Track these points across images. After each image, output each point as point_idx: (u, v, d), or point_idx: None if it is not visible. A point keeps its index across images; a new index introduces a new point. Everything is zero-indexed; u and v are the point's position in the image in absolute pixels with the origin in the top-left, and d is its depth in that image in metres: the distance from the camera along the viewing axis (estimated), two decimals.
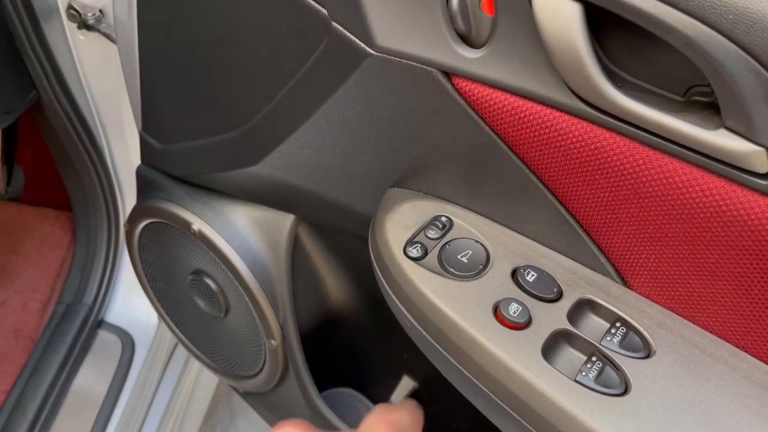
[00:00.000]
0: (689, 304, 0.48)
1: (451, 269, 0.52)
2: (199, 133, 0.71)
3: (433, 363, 0.55)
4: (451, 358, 0.51)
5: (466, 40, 0.47)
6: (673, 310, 0.49)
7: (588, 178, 0.46)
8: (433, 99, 0.50)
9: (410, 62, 0.49)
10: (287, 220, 0.76)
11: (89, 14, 0.90)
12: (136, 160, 1.11)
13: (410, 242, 0.54)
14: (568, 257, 0.52)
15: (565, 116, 0.45)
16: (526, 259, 0.52)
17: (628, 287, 0.50)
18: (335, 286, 0.86)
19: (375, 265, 0.57)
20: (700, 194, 0.42)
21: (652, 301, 0.50)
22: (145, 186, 0.85)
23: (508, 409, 0.48)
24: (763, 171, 0.38)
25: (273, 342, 0.80)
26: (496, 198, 0.53)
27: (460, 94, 0.49)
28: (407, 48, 0.49)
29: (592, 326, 0.49)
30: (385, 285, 0.55)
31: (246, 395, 0.99)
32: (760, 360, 0.46)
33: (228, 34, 0.60)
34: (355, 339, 0.92)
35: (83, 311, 1.16)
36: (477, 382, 0.49)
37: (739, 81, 0.36)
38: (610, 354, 0.47)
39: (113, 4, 0.72)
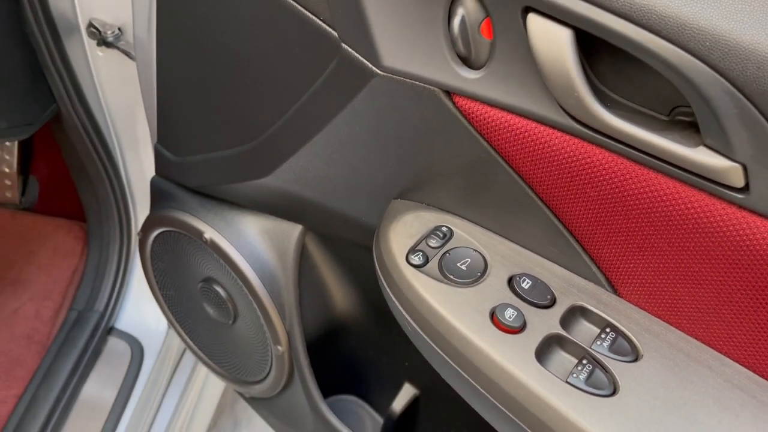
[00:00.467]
0: (675, 311, 0.51)
1: (451, 276, 0.55)
2: (212, 146, 0.74)
3: (433, 365, 0.58)
4: (449, 360, 0.54)
5: (467, 61, 0.50)
6: (660, 317, 0.52)
7: (579, 191, 0.50)
8: (436, 116, 0.53)
9: (414, 82, 0.53)
10: (295, 230, 0.79)
11: (108, 32, 0.94)
12: (149, 171, 1.15)
13: (412, 250, 0.57)
14: (561, 266, 0.55)
15: (557, 133, 0.48)
16: (522, 268, 0.55)
17: (618, 295, 0.53)
18: (340, 295, 0.89)
19: (378, 271, 0.60)
20: (683, 207, 0.45)
21: (641, 308, 0.52)
22: (159, 196, 0.88)
23: (502, 408, 0.50)
24: (739, 185, 0.41)
25: (279, 348, 0.83)
26: (494, 209, 0.56)
27: (461, 112, 0.52)
28: (412, 68, 0.52)
29: (584, 331, 0.52)
30: (388, 290, 0.58)
31: (252, 401, 1.01)
32: (741, 365, 0.49)
33: (244, 53, 0.63)
34: (358, 347, 0.95)
35: (94, 318, 1.20)
36: (474, 383, 0.52)
37: (715, 103, 0.39)
38: (599, 357, 0.50)
39: (133, 23, 0.76)
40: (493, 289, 0.54)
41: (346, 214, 0.68)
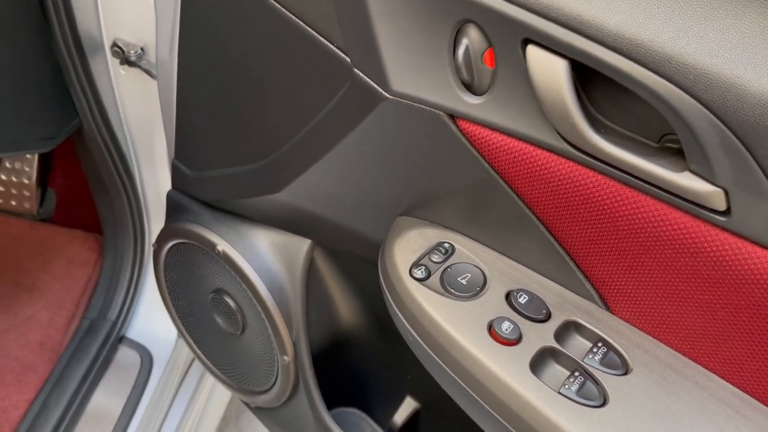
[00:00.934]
0: (664, 328, 0.53)
1: (452, 290, 0.58)
2: (228, 162, 0.78)
3: (432, 374, 0.60)
4: (448, 370, 0.56)
5: (470, 88, 0.53)
6: (650, 334, 0.54)
7: (574, 212, 0.52)
8: (440, 138, 0.57)
9: (421, 105, 0.56)
10: (304, 244, 0.82)
11: (131, 51, 0.98)
12: (164, 186, 1.18)
13: (415, 265, 0.60)
14: (557, 283, 0.58)
15: (554, 157, 0.51)
16: (519, 283, 0.58)
17: (611, 312, 0.56)
18: (345, 309, 0.92)
19: (383, 284, 0.63)
20: (670, 228, 0.47)
21: (632, 324, 0.55)
22: (174, 209, 0.91)
23: (498, 416, 0.53)
24: (721, 209, 0.44)
25: (286, 358, 0.85)
26: (494, 228, 0.59)
27: (464, 135, 0.55)
28: (419, 93, 0.55)
29: (576, 345, 0.55)
30: (392, 302, 0.61)
31: (257, 410, 1.03)
32: (726, 381, 0.51)
33: (261, 75, 0.67)
34: (362, 359, 0.97)
35: (106, 327, 1.23)
36: (471, 392, 0.55)
37: (699, 131, 0.42)
38: (591, 370, 0.52)
39: (156, 44, 0.80)
40: (492, 303, 0.57)
41: (354, 230, 0.71)
